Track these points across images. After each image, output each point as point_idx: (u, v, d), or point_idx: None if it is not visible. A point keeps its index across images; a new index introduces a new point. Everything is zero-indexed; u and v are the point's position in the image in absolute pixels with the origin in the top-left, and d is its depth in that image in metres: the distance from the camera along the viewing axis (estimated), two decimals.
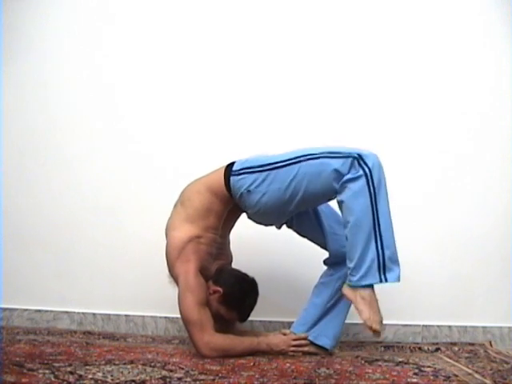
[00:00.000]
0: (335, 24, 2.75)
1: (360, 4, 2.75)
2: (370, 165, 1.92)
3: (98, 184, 2.80)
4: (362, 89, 2.71)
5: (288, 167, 2.03)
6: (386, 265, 1.90)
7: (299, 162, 2.02)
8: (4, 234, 2.80)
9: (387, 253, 1.90)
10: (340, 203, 1.98)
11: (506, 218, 2.60)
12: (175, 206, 2.23)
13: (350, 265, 1.93)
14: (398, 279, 1.92)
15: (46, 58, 2.90)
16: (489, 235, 2.60)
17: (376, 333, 1.90)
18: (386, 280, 1.90)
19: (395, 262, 1.92)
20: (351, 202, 1.92)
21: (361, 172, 1.92)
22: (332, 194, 2.01)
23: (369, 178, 1.92)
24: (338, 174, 1.95)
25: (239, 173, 2.10)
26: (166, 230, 2.21)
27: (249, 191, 2.07)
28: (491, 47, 2.69)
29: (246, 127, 2.72)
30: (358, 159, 1.93)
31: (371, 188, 1.91)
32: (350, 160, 1.94)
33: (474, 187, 2.64)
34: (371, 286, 1.93)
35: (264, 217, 2.16)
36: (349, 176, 1.93)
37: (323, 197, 2.07)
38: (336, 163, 1.95)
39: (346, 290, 1.97)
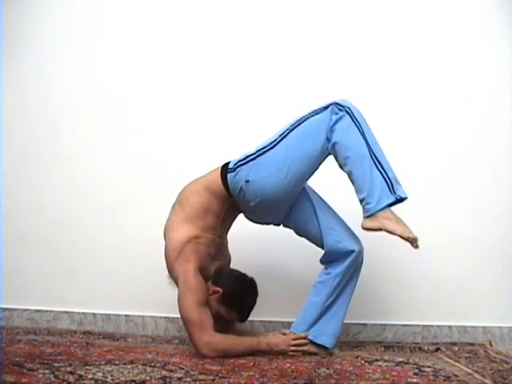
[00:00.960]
0: (334, 25, 2.75)
1: (360, 4, 2.75)
2: (347, 105, 2.08)
3: (97, 184, 2.80)
4: (361, 89, 2.70)
5: (277, 145, 2.11)
6: (393, 185, 2.01)
7: (286, 135, 2.11)
8: (4, 233, 2.81)
9: (390, 174, 2.02)
10: (333, 147, 2.06)
11: (505, 217, 2.60)
12: (173, 207, 2.24)
13: (363, 195, 2.02)
14: (406, 194, 2.02)
15: (47, 57, 2.90)
16: (489, 235, 2.60)
17: (414, 241, 1.97)
18: (400, 197, 2.00)
19: (398, 182, 2.04)
20: (344, 138, 2.04)
21: (342, 112, 2.06)
22: (326, 146, 2.08)
23: (351, 114, 2.06)
24: (326, 124, 2.06)
25: (234, 168, 2.14)
26: (165, 231, 2.22)
27: (248, 181, 2.10)
28: (491, 47, 2.69)
29: (246, 127, 2.72)
30: (336, 105, 2.08)
31: (356, 122, 2.05)
32: (329, 108, 2.08)
33: (473, 187, 2.64)
34: (388, 207, 2.00)
35: (266, 209, 2.16)
36: (333, 119, 2.06)
37: (320, 153, 2.11)
38: (319, 116, 2.09)
39: (368, 223, 2.02)
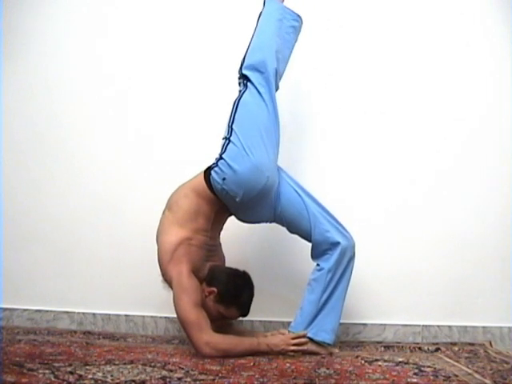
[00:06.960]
0: (332, 31, 2.73)
1: (359, 6, 2.74)
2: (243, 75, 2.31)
3: (98, 184, 2.80)
4: (361, 90, 2.71)
5: (231, 137, 2.18)
6: None
7: (232, 126, 2.20)
8: (4, 233, 2.80)
9: None
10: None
11: (505, 218, 2.60)
12: (163, 212, 2.26)
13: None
14: None
15: (47, 54, 2.90)
16: (489, 235, 2.60)
17: None
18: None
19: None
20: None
21: (245, 80, 2.30)
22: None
23: (241, 68, 2.32)
24: (259, 94, 2.25)
25: (212, 167, 2.19)
26: (157, 236, 2.23)
27: (224, 179, 2.14)
28: (491, 49, 2.67)
29: None
30: (243, 80, 2.31)
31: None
32: (246, 85, 2.29)
33: (473, 187, 2.64)
34: None
35: (252, 201, 2.16)
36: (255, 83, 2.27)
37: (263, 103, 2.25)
38: (248, 96, 2.25)
39: None
